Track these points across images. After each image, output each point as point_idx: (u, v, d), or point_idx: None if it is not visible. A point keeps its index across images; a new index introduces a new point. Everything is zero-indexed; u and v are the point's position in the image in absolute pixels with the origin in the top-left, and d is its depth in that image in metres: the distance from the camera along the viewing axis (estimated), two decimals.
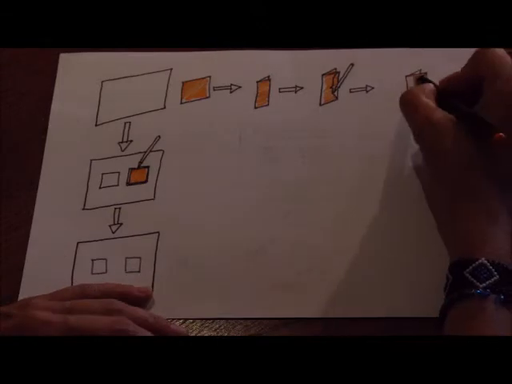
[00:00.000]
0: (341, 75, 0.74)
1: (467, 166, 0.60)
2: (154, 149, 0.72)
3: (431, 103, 0.63)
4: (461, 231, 0.60)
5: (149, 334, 0.62)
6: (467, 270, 0.57)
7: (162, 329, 0.63)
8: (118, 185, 0.71)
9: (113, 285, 0.65)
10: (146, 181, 0.71)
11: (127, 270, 0.68)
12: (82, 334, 0.60)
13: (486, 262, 0.57)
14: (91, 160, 0.72)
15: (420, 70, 0.73)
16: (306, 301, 0.65)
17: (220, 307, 0.66)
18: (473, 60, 0.65)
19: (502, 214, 0.59)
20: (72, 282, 0.67)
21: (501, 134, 0.58)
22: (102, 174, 0.72)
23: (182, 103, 0.74)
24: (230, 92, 0.75)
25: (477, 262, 0.57)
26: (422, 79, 0.69)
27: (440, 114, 0.62)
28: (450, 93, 0.65)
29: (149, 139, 0.73)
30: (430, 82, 0.67)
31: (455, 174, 0.60)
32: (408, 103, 0.65)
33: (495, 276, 0.57)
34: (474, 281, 0.57)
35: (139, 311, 0.63)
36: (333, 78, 0.74)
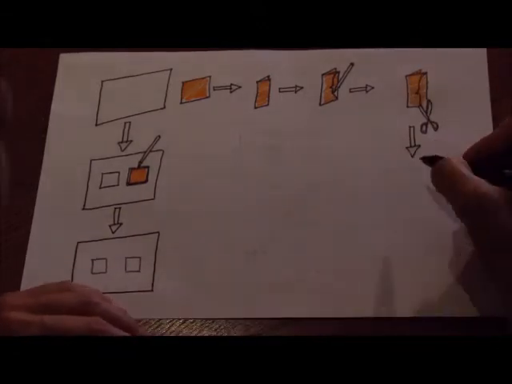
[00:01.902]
0: (341, 75, 0.74)
1: None
2: (154, 149, 0.72)
3: (470, 174, 0.60)
4: None
5: (122, 333, 0.61)
6: None
7: (132, 327, 0.63)
8: (118, 185, 0.71)
9: (93, 291, 0.65)
10: (146, 181, 0.71)
11: (127, 270, 0.68)
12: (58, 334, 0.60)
13: None
14: (91, 160, 0.72)
15: (420, 70, 0.73)
16: (306, 301, 0.65)
17: (220, 307, 0.66)
18: (507, 123, 0.61)
19: None
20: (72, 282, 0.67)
21: None
22: (102, 173, 0.72)
23: (181, 103, 0.74)
24: (230, 92, 0.75)
25: None
26: (429, 159, 0.64)
27: (487, 185, 0.59)
28: (483, 162, 0.62)
29: (149, 139, 0.73)
30: (442, 157, 0.63)
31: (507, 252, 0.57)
32: (449, 175, 0.60)
33: None
34: None
35: (114, 308, 0.63)
36: (333, 78, 0.74)
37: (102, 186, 0.71)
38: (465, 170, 0.60)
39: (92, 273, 0.68)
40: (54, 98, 0.75)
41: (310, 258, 0.67)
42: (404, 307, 0.64)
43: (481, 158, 0.62)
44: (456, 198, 0.60)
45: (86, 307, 0.61)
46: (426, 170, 0.63)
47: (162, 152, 0.72)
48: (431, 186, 0.63)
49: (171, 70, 0.76)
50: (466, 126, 0.71)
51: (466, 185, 0.59)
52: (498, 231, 0.58)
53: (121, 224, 0.69)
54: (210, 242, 0.68)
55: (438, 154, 0.67)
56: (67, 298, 0.62)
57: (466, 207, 0.59)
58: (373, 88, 0.73)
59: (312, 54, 0.75)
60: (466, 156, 0.62)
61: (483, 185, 0.59)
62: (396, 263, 0.66)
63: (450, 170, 0.61)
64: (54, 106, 0.75)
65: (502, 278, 0.59)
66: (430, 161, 0.63)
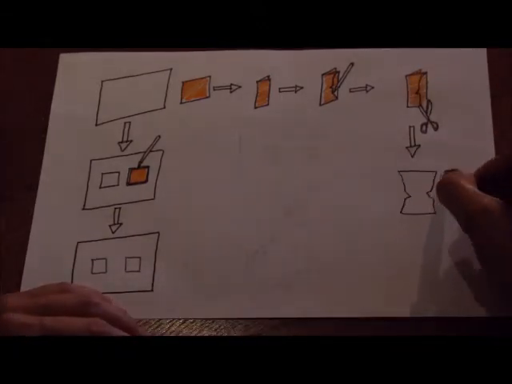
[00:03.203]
0: (341, 75, 0.74)
1: None
2: (154, 149, 0.72)
3: (475, 188, 0.61)
4: None
5: (122, 333, 0.61)
6: None
7: (132, 327, 0.63)
8: (118, 185, 0.71)
9: (93, 291, 0.64)
10: (146, 181, 0.71)
11: (127, 270, 0.68)
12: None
13: None
14: (91, 160, 0.72)
15: (420, 70, 0.73)
16: (306, 301, 0.65)
17: (220, 307, 0.66)
18: None
19: None
20: (72, 282, 0.67)
21: None
22: (102, 173, 0.72)
23: (181, 103, 0.74)
24: (230, 92, 0.75)
25: None
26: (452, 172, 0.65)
27: (492, 200, 0.59)
28: (490, 180, 0.62)
29: (149, 139, 0.73)
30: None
31: None
32: (453, 188, 0.61)
33: None
34: None
35: (114, 308, 0.63)
36: (333, 78, 0.74)
37: (102, 186, 0.71)
38: (469, 184, 0.61)
39: (92, 273, 0.68)
40: (53, 97, 0.75)
41: (310, 257, 0.67)
42: (404, 307, 0.64)
43: (487, 177, 0.62)
44: (459, 212, 0.61)
45: (85, 308, 0.61)
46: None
47: (162, 152, 0.72)
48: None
49: (171, 69, 0.76)
50: (466, 125, 0.71)
51: (469, 199, 0.60)
52: (501, 244, 0.58)
53: (121, 224, 0.69)
54: (210, 242, 0.68)
55: (438, 153, 0.67)
56: (67, 298, 0.62)
57: (470, 220, 0.60)
58: (373, 88, 0.73)
59: (312, 54, 0.75)
60: (476, 173, 0.63)
61: (486, 199, 0.59)
62: (396, 263, 0.66)
63: (453, 185, 0.61)
64: (54, 106, 0.75)
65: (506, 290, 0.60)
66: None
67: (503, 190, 0.60)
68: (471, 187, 0.61)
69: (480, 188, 0.61)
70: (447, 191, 0.62)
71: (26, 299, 0.62)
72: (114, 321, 0.61)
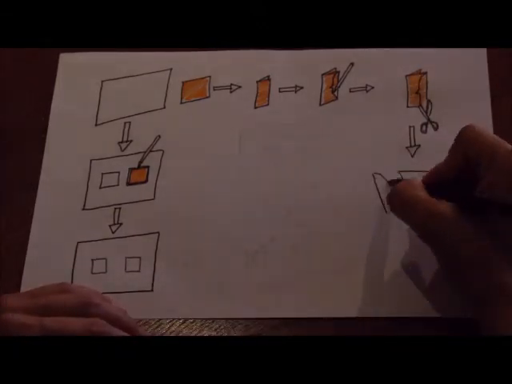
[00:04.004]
0: (341, 75, 0.74)
1: (485, 253, 0.58)
2: (154, 149, 0.72)
3: (425, 195, 0.61)
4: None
5: (122, 333, 0.61)
6: None
7: (132, 327, 0.63)
8: (118, 185, 0.71)
9: (93, 292, 0.64)
10: (146, 181, 0.71)
11: (127, 270, 0.68)
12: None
13: None
14: (91, 160, 0.72)
15: (420, 70, 0.73)
16: (306, 301, 0.65)
17: (220, 307, 0.66)
18: (458, 148, 0.62)
19: None
20: (72, 282, 0.67)
21: None
22: (102, 173, 0.72)
23: (181, 103, 0.74)
24: (230, 92, 0.75)
25: None
26: (397, 181, 0.66)
27: (439, 205, 0.60)
28: (438, 185, 0.63)
29: (149, 139, 0.73)
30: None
31: (471, 267, 0.59)
32: (401, 199, 0.62)
33: None
34: None
35: (114, 309, 0.63)
36: (333, 78, 0.74)
37: (102, 186, 0.71)
38: (419, 192, 0.61)
39: (92, 273, 0.68)
40: (53, 97, 0.75)
41: (310, 257, 0.67)
42: (404, 307, 0.64)
43: (436, 182, 0.63)
44: (411, 222, 0.62)
45: (85, 308, 0.61)
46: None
47: (162, 152, 0.72)
48: None
49: (171, 69, 0.76)
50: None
51: (418, 208, 0.61)
52: (453, 251, 0.59)
53: (121, 224, 0.69)
54: (210, 242, 0.68)
55: (438, 153, 0.67)
56: (67, 299, 0.62)
57: (422, 228, 0.61)
58: (373, 88, 0.73)
59: (312, 54, 0.75)
60: (424, 180, 0.63)
61: (436, 204, 0.60)
62: (396, 263, 0.66)
63: (401, 196, 0.62)
64: (54, 106, 0.75)
65: (468, 292, 0.60)
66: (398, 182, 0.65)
67: (453, 194, 0.61)
68: (422, 194, 0.61)
69: (431, 194, 0.61)
70: (399, 201, 0.63)
71: (26, 299, 0.62)
72: (114, 321, 0.61)
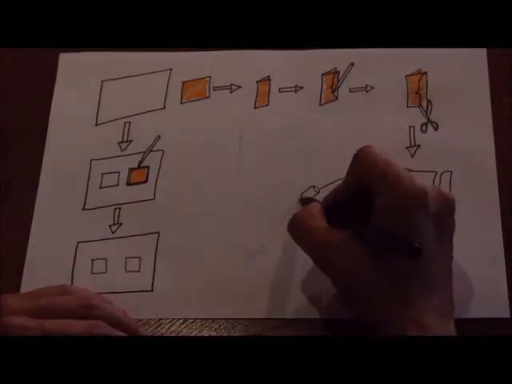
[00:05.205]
0: (341, 75, 0.74)
1: (377, 283, 0.59)
2: (154, 149, 0.72)
3: (321, 224, 0.62)
4: None
5: (123, 334, 0.61)
6: None
7: (133, 328, 0.63)
8: (118, 185, 0.71)
9: (93, 294, 0.64)
10: (146, 181, 0.71)
11: (127, 270, 0.68)
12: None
13: None
14: (91, 160, 0.72)
15: (420, 70, 0.73)
16: (306, 301, 0.65)
17: (220, 307, 0.66)
18: (353, 169, 0.62)
19: (429, 318, 0.57)
20: (72, 282, 0.67)
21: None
22: (102, 173, 0.72)
23: (181, 103, 0.74)
24: (230, 92, 0.75)
25: None
26: (307, 200, 0.67)
27: (333, 234, 0.60)
28: (338, 206, 0.63)
29: (149, 139, 0.73)
30: (316, 200, 0.65)
31: (358, 298, 0.60)
32: (297, 229, 0.63)
33: None
34: None
35: (114, 310, 0.63)
36: (333, 78, 0.74)
37: (102, 186, 0.71)
38: (314, 222, 0.62)
39: (92, 273, 0.68)
40: (53, 97, 0.75)
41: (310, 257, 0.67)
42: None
43: (334, 205, 0.63)
44: (307, 251, 0.63)
45: (86, 310, 0.61)
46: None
47: (162, 152, 0.72)
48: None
49: (171, 70, 0.76)
50: (465, 125, 0.71)
51: (311, 238, 0.61)
52: (344, 281, 0.60)
53: (121, 224, 0.69)
54: (210, 242, 0.68)
55: (438, 153, 0.67)
56: (67, 301, 0.62)
57: (317, 258, 0.62)
58: (373, 88, 0.73)
59: (312, 54, 0.75)
60: (325, 200, 0.64)
61: (328, 235, 0.60)
62: None
63: (298, 226, 0.63)
64: (54, 106, 0.75)
65: (360, 319, 0.61)
66: (308, 201, 0.66)
67: (353, 220, 0.61)
68: (319, 223, 0.62)
69: (331, 219, 0.62)
70: (296, 231, 0.63)
71: (27, 301, 0.61)
72: (114, 323, 0.61)
